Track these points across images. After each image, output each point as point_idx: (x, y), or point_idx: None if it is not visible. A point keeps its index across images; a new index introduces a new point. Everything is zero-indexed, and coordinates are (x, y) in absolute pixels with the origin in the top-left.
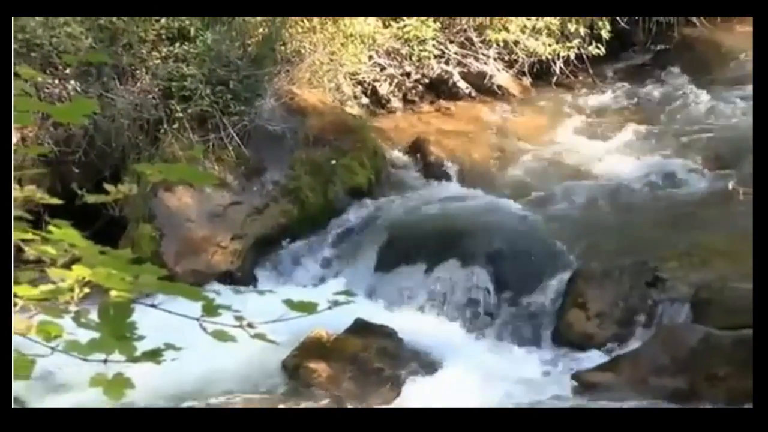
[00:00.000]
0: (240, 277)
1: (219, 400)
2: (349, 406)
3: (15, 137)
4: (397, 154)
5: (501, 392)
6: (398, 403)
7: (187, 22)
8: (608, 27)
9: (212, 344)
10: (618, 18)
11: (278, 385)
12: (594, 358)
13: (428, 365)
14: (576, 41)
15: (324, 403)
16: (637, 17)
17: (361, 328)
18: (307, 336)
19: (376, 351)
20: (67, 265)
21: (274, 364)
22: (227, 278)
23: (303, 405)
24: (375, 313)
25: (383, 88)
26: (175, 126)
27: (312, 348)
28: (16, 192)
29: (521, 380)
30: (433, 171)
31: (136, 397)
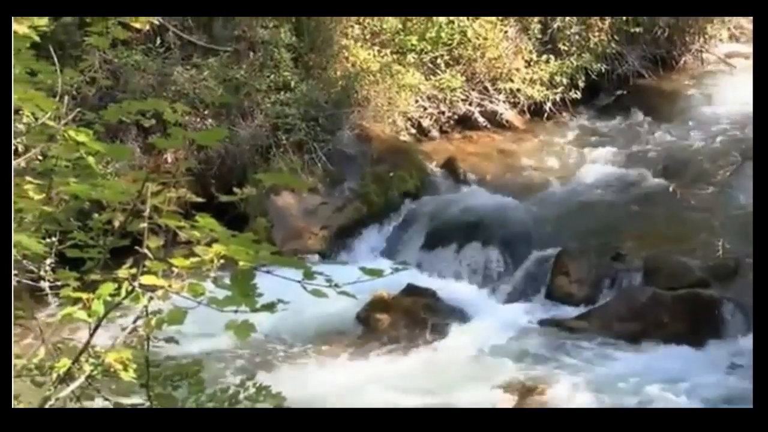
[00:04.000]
0: (327, 255)
1: (312, 342)
2: (404, 346)
3: (170, 157)
4: (435, 168)
5: (509, 331)
6: (439, 342)
7: (288, 77)
8: (583, 78)
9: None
10: (589, 71)
11: (354, 329)
12: (573, 310)
13: (459, 315)
14: (561, 89)
15: (387, 346)
16: (603, 71)
17: (411, 290)
18: (373, 296)
19: (422, 306)
20: (208, 244)
21: (350, 316)
22: (319, 255)
23: (373, 343)
24: (421, 279)
25: (425, 122)
26: (281, 150)
27: (377, 304)
28: (171, 193)
29: (524, 323)
30: (460, 180)
31: (255, 336)
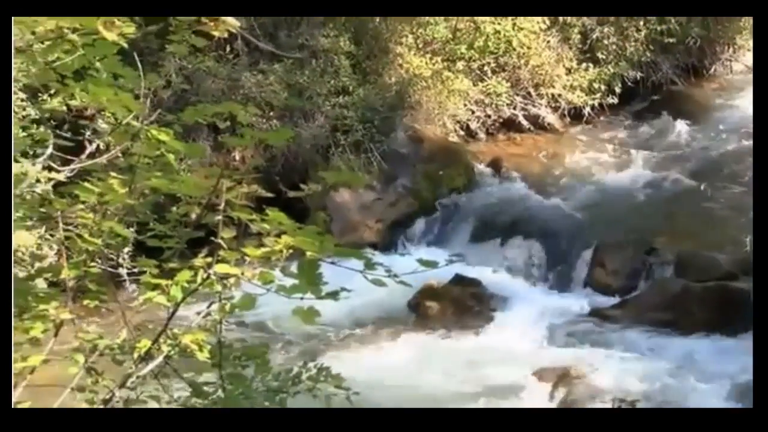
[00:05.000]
0: (381, 246)
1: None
2: (452, 332)
3: (237, 155)
4: (482, 167)
5: (549, 318)
6: (485, 329)
7: (347, 83)
8: (620, 84)
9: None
10: (625, 79)
11: (407, 316)
12: (610, 299)
13: (503, 305)
14: (599, 94)
15: (438, 332)
16: (638, 78)
17: (458, 280)
18: (423, 285)
19: (469, 295)
20: (277, 236)
21: (402, 303)
22: (373, 247)
23: (422, 329)
24: (468, 270)
25: (473, 125)
26: (340, 150)
27: (427, 293)
28: (243, 189)
29: (563, 311)
30: (505, 178)
31: (319, 320)
